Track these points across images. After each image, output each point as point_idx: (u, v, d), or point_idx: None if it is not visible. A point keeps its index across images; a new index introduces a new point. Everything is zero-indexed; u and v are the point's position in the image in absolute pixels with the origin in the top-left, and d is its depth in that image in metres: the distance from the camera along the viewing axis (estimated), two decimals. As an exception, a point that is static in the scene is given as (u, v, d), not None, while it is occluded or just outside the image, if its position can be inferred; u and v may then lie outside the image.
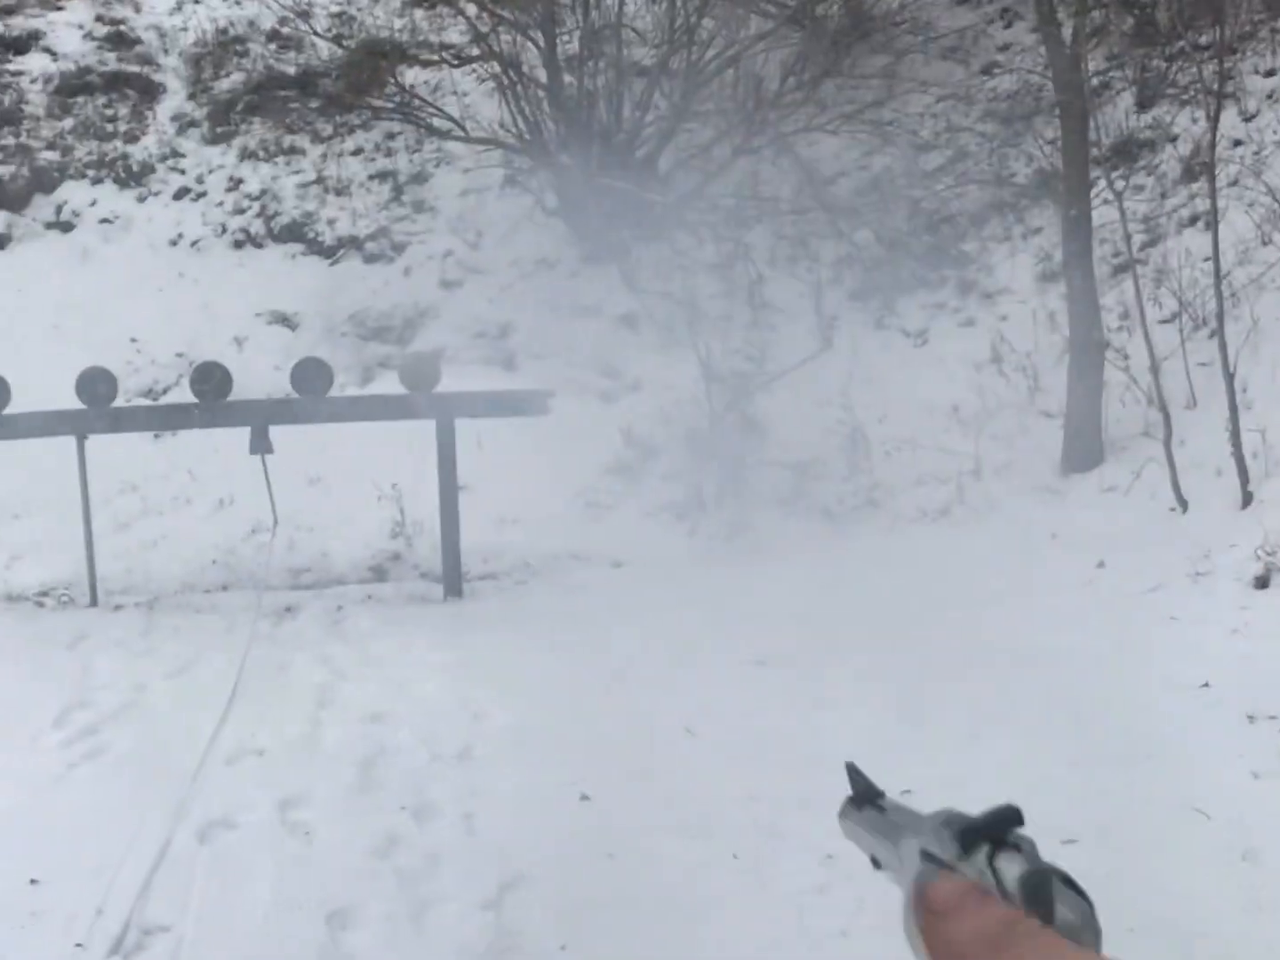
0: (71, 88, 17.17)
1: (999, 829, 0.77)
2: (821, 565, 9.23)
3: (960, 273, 12.71)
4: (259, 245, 15.42)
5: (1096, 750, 5.27)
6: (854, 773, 1.17)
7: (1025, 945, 0.69)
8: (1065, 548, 8.70)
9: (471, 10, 14.51)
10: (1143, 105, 13.25)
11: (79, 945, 3.94)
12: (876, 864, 1.09)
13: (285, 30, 17.42)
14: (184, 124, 16.91)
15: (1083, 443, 9.96)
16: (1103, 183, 10.45)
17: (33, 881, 4.43)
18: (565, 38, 14.33)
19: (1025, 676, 6.29)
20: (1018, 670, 6.37)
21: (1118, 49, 13.96)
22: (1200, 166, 10.99)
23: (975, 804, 0.81)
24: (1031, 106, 14.08)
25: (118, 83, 17.27)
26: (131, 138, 16.65)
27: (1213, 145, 9.25)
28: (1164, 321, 10.28)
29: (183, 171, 16.29)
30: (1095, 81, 12.69)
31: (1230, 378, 8.52)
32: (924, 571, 8.66)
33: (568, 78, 14.13)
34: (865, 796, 1.12)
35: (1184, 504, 8.72)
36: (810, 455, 10.65)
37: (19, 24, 17.89)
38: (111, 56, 17.59)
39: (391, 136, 16.33)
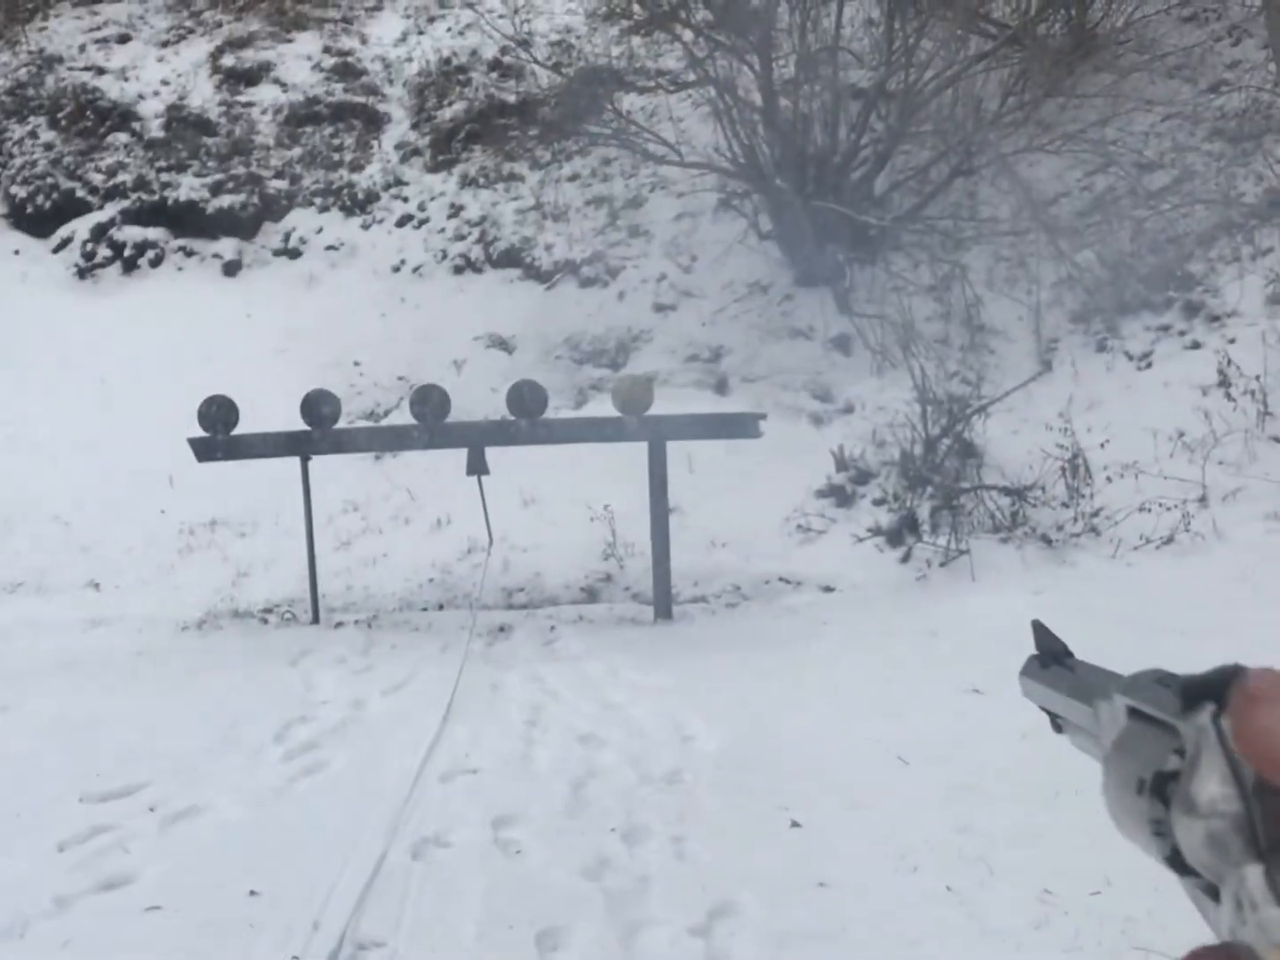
0: (300, 118, 17.75)
1: (1227, 689, 0.68)
2: (1040, 592, 9.02)
3: (1186, 295, 12.35)
4: (478, 270, 15.72)
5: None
6: (1040, 630, 1.08)
7: None
8: (1297, 578, 8.39)
9: (688, 36, 14.61)
10: (1377, 119, 12.76)
11: (295, 958, 4.03)
12: (1058, 727, 1.02)
13: (506, 59, 17.78)
14: (407, 152, 17.36)
15: (1316, 469, 9.60)
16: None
17: (252, 893, 4.53)
18: (781, 61, 14.32)
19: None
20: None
21: (1352, 62, 13.46)
22: None
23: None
24: (1261, 125, 13.65)
25: (344, 113, 17.81)
26: (357, 166, 17.14)
27: None
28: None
29: (405, 199, 16.71)
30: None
31: None
32: (1147, 599, 8.41)
33: (783, 101, 14.12)
34: (1052, 655, 1.06)
35: None
36: (1029, 480, 10.44)
37: (250, 56, 18.57)
38: (339, 87, 18.15)
39: (608, 162, 16.52)
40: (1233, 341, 11.30)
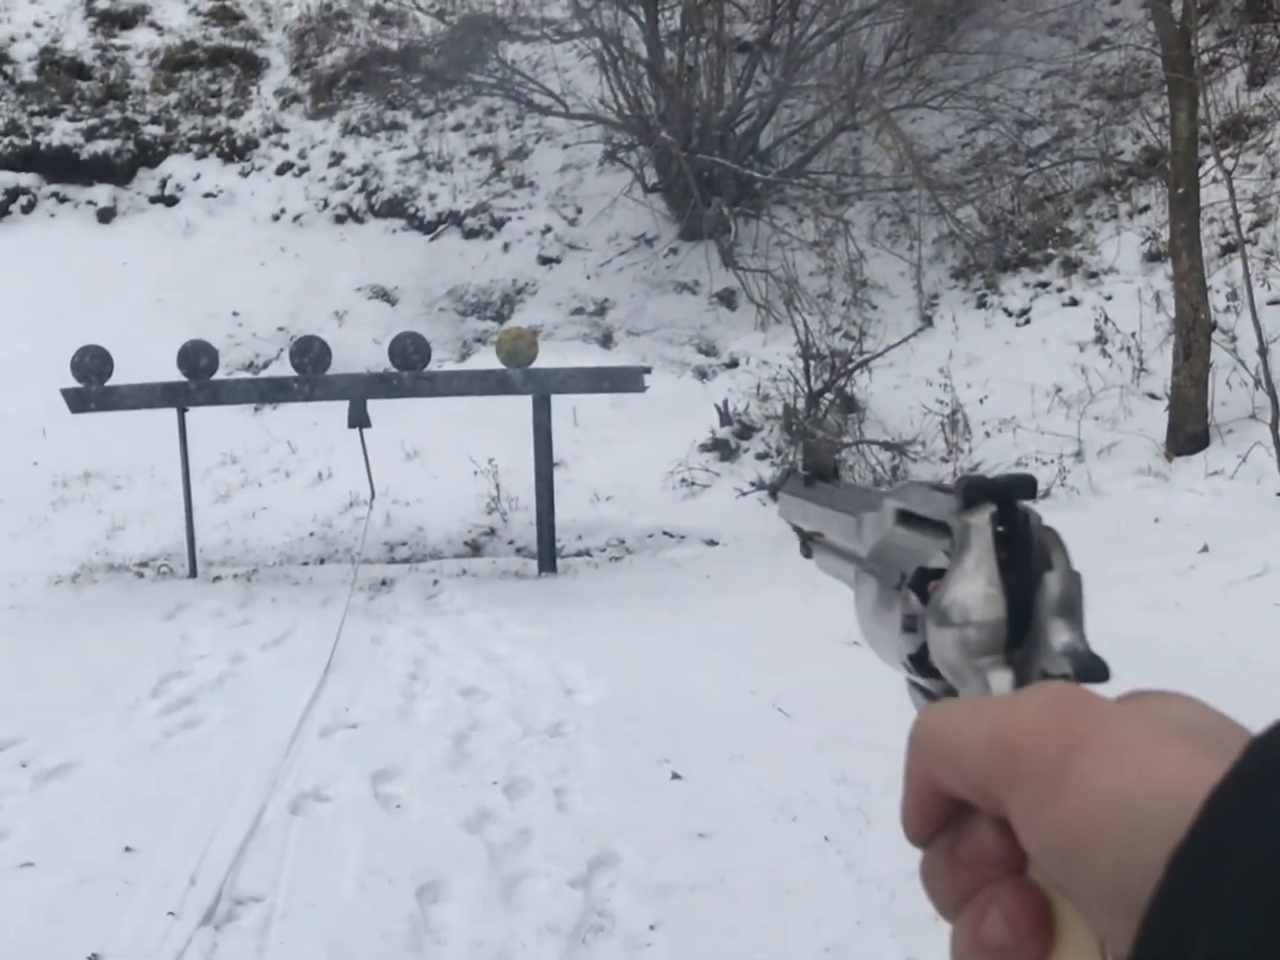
0: (176, 62, 17.40)
1: (1009, 494, 0.66)
2: (919, 547, 9.12)
3: (1064, 252, 12.51)
4: (360, 220, 15.54)
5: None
6: (811, 449, 1.04)
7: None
8: (1168, 532, 8.55)
9: (574, -15, 14.49)
10: (1254, 82, 12.96)
11: (171, 914, 3.98)
12: (807, 551, 0.99)
13: (389, 5, 17.54)
14: (287, 99, 17.07)
15: (1188, 426, 9.77)
16: (1211, 161, 10.22)
17: (127, 849, 4.47)
18: (667, 13, 14.28)
19: (1122, 663, 6.16)
20: (1115, 657, 6.25)
21: (1229, 24, 13.66)
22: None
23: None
24: (1140, 83, 13.85)
25: (222, 58, 17.48)
26: (235, 113, 16.84)
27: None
28: (1273, 303, 10.07)
29: (286, 146, 16.45)
30: (1205, 58, 12.41)
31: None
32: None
33: (669, 53, 14.08)
34: (819, 474, 1.00)
35: (1292, 489, 8.56)
36: (909, 435, 10.54)
37: None
38: (216, 31, 17.79)
39: (492, 112, 16.38)
40: (1110, 299, 11.48)
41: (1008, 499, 0.63)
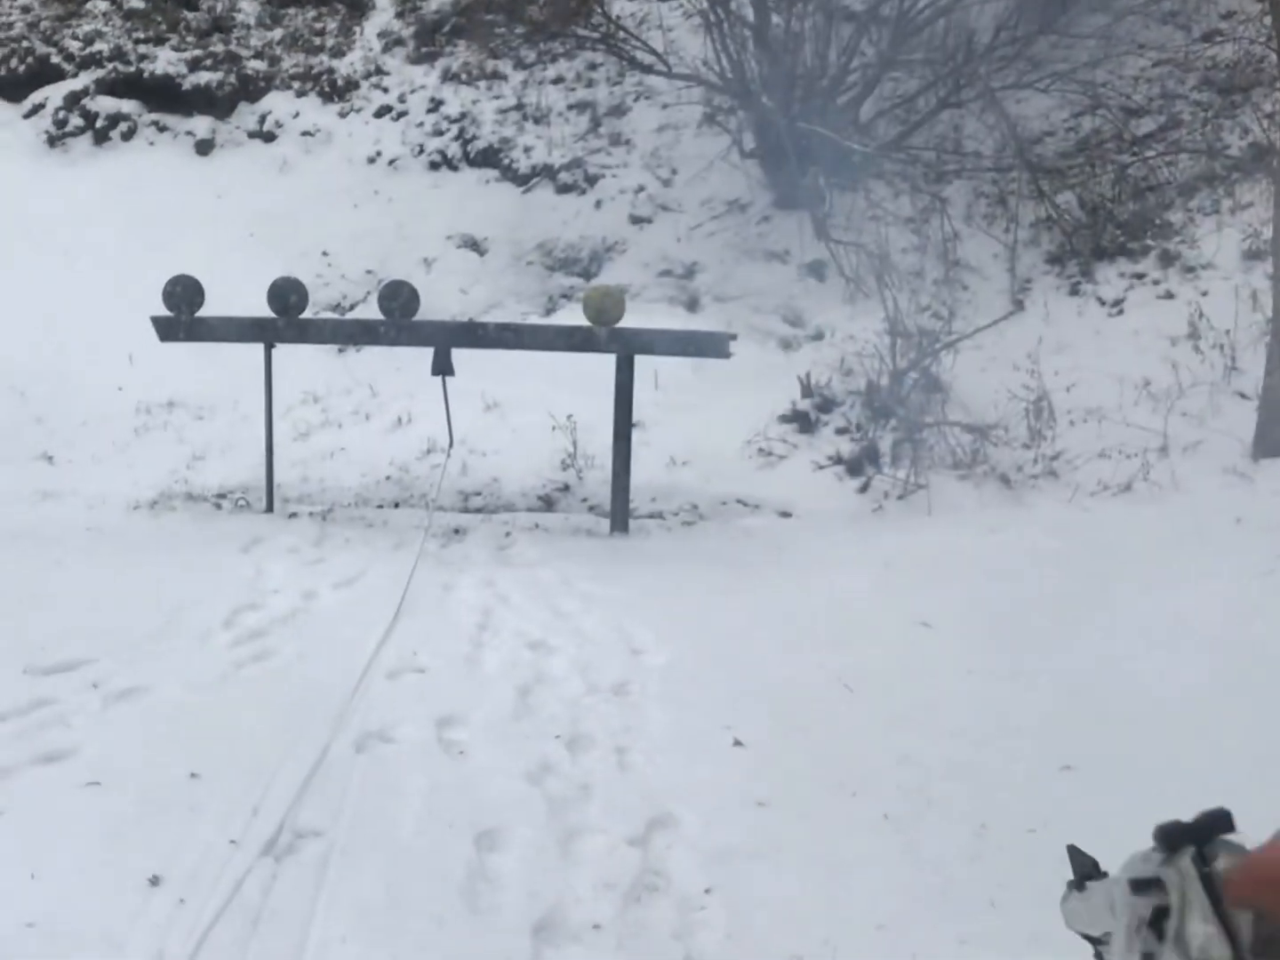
0: (283, -1, 17.42)
1: (1204, 832, 0.70)
2: (995, 531, 9.05)
3: (1163, 244, 12.33)
4: (454, 168, 15.54)
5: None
6: (1075, 854, 1.10)
7: None
8: (1250, 533, 8.41)
9: (683, -56, 14.39)
10: (1369, 83, 12.70)
11: (233, 842, 4.02)
12: (1099, 955, 1.04)
13: (497, -47, 17.43)
14: (390, 42, 17.09)
15: (1278, 428, 9.61)
16: (1322, 160, 10.03)
17: (193, 775, 4.53)
18: (776, -23, 14.14)
19: (1199, 664, 6.10)
20: (1195, 657, 6.18)
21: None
22: None
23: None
24: (1251, 77, 13.59)
25: (328, -3, 17.49)
26: (338, 52, 16.88)
27: None
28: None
29: (385, 89, 16.47)
30: (1322, 54, 12.16)
31: None
32: (1099, 546, 8.44)
33: (775, 18, 13.95)
34: (1084, 876, 1.07)
35: (1381, 499, 8.41)
36: (992, 419, 10.45)
37: (236, -66, 18.13)
38: (324, -30, 17.78)
39: (593, 67, 16.32)
40: (1205, 294, 11.30)
41: (1205, 838, 0.69)
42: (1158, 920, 0.74)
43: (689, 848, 4.23)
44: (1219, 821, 0.71)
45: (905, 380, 10.84)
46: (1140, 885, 0.78)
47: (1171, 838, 0.70)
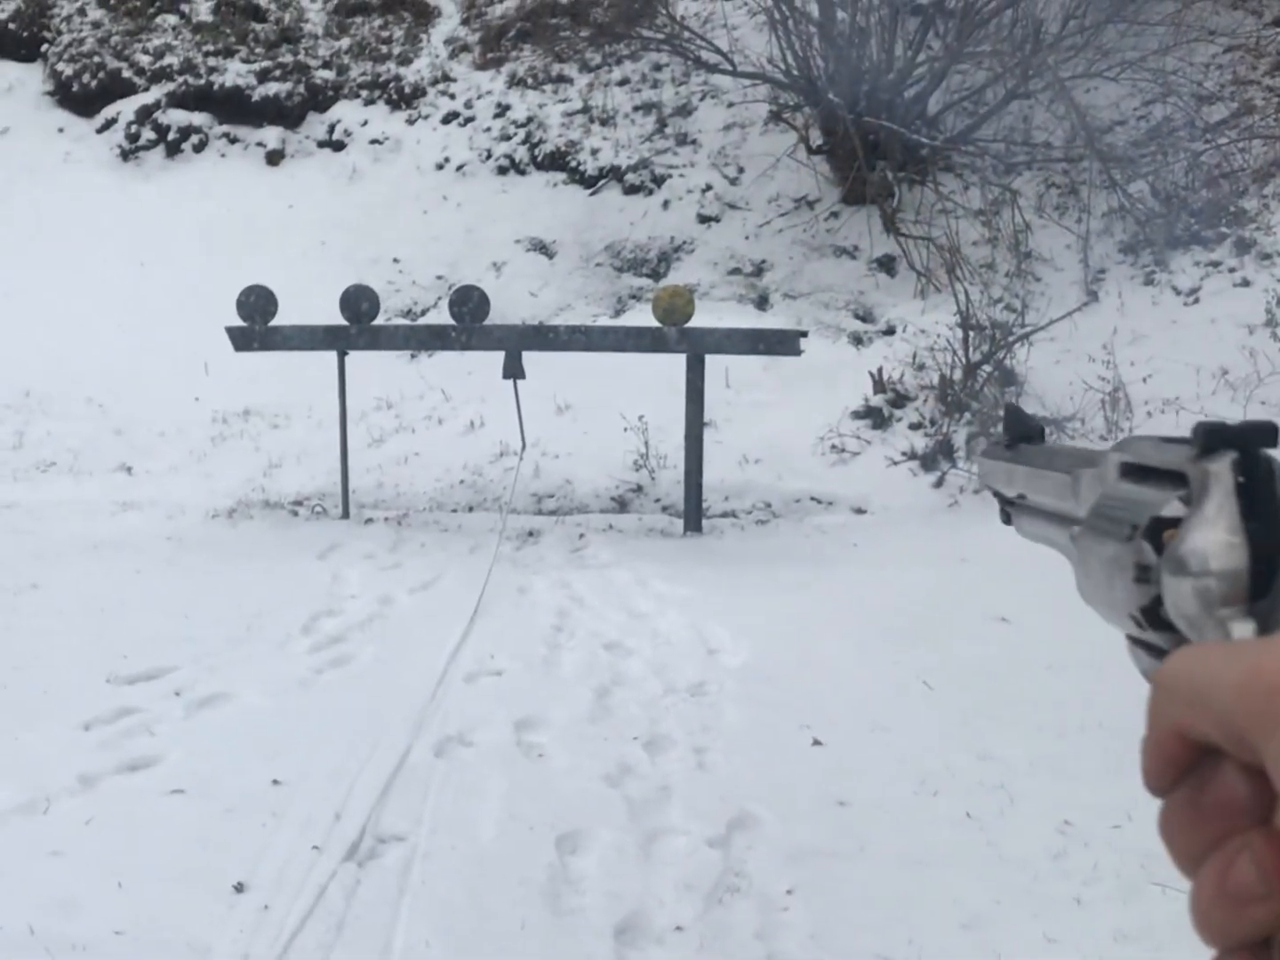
0: (350, 8, 17.59)
1: (1250, 441, 0.63)
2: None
3: (1238, 231, 12.17)
4: (522, 172, 15.59)
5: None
6: (1013, 411, 1.02)
7: None
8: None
9: (746, -58, 14.36)
10: None
11: (316, 848, 4.04)
12: (1006, 516, 0.97)
13: (560, -43, 17.48)
14: (456, 48, 17.17)
15: (1360, 415, 9.49)
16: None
17: (275, 782, 4.56)
18: (840, -28, 14.08)
19: None
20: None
21: None
22: None
23: None
24: (1325, 60, 13.40)
25: (394, 5, 17.64)
26: (405, 60, 16.97)
27: None
28: None
29: (452, 96, 16.55)
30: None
31: None
32: (1179, 539, 8.35)
33: (840, 14, 13.90)
34: (1023, 437, 0.98)
35: None
36: (1068, 412, 10.35)
37: (302, -56, 18.28)
38: (390, -22, 17.89)
39: (658, 68, 16.32)
40: (1283, 281, 11.16)
41: (1248, 446, 0.60)
42: (1154, 529, 0.66)
43: (770, 848, 4.22)
44: (1264, 434, 0.63)
45: (979, 374, 10.77)
46: (1137, 473, 0.69)
47: (1213, 436, 0.62)
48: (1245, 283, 11.55)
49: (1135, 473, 0.70)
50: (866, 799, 4.62)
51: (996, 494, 0.99)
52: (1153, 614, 0.63)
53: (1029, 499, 0.91)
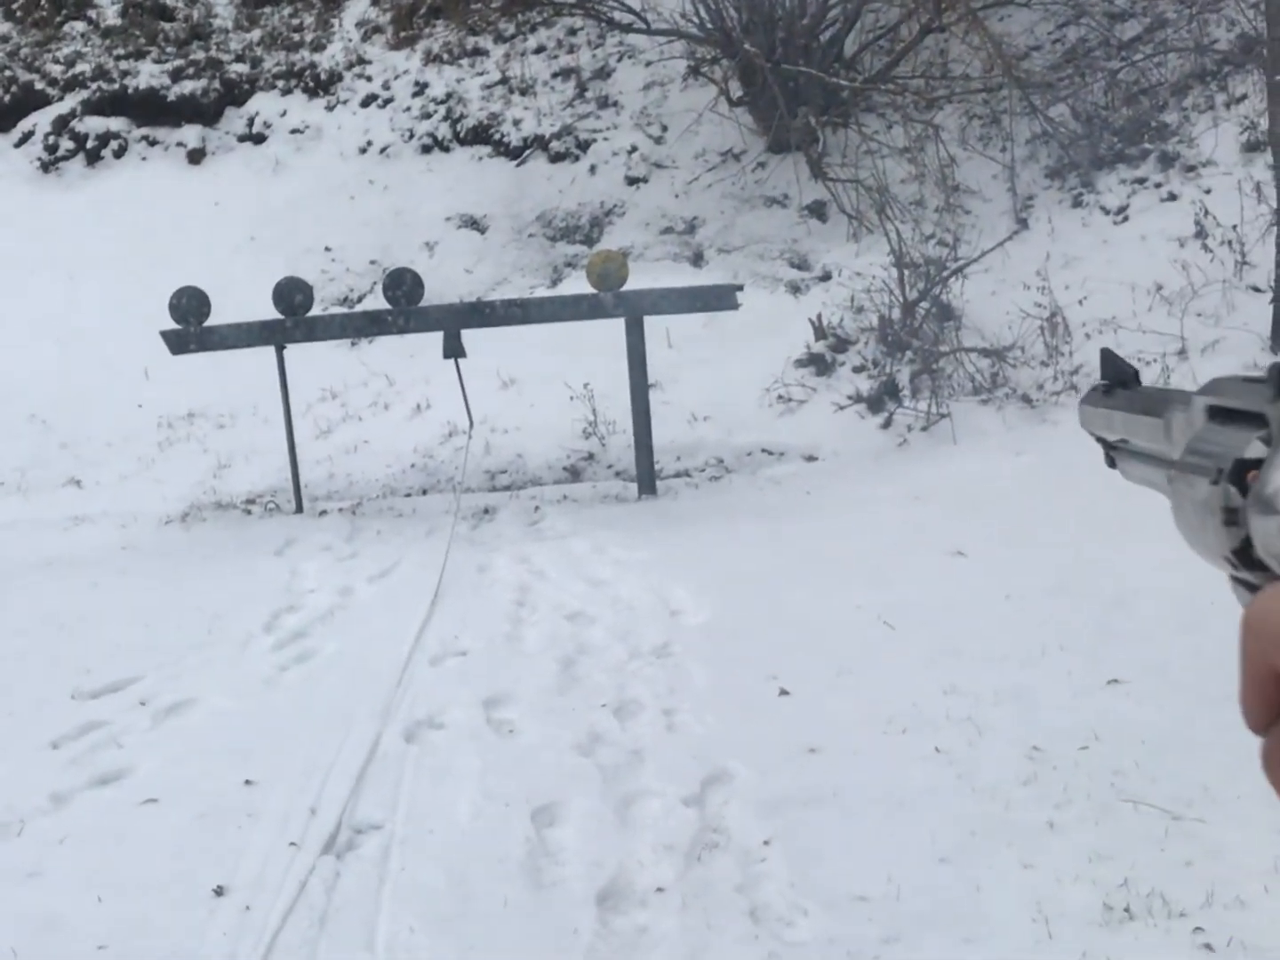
0: (258, -1, 17.38)
1: None
2: (1022, 453, 9.05)
3: (1161, 146, 12.23)
4: (446, 149, 15.50)
5: None
6: (1108, 355, 1.03)
7: None
8: (1278, 428, 8.39)
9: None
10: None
11: (293, 844, 4.06)
12: (1111, 460, 0.99)
13: (465, -70, 17.33)
14: (369, 30, 17.04)
15: (1295, 318, 9.55)
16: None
17: (247, 782, 4.57)
18: (744, -81, 14.03)
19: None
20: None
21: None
22: None
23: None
24: (1235, -32, 13.43)
25: (302, -9, 17.44)
26: (318, 46, 16.83)
27: None
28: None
29: (369, 79, 16.42)
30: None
31: None
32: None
33: (750, -38, 13.85)
34: (1119, 381, 1.01)
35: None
36: (1008, 341, 10.41)
37: (203, -63, 18.07)
38: (296, -35, 17.72)
39: (573, 33, 16.24)
40: (1209, 192, 11.20)
41: None
42: (1239, 471, 0.66)
43: (745, 801, 4.25)
44: None
45: (917, 311, 10.81)
46: (1223, 415, 0.70)
47: None
48: (1172, 196, 11.61)
49: (1220, 415, 0.72)
50: (837, 744, 4.66)
51: (1099, 439, 1.02)
52: (1245, 554, 0.64)
53: (1130, 443, 0.93)
